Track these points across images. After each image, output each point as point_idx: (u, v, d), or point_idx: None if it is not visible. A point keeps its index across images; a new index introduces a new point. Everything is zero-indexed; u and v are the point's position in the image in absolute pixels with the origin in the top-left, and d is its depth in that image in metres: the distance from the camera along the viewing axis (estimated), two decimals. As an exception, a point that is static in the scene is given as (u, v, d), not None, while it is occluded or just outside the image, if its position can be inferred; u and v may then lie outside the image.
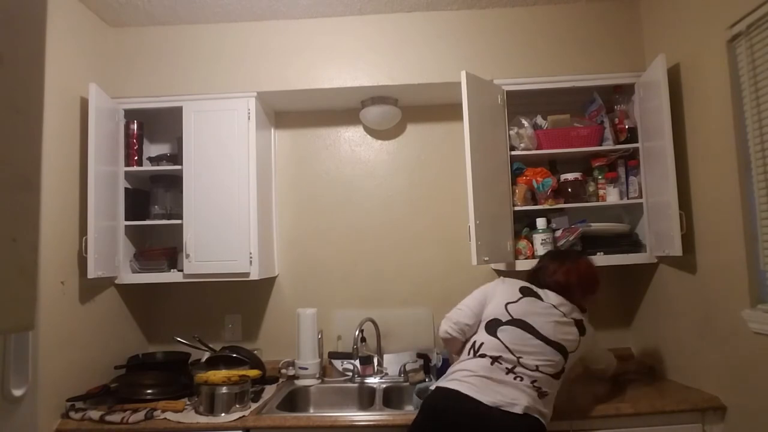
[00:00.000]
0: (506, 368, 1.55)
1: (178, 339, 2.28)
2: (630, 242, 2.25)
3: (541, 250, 2.17)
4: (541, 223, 2.21)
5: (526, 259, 2.20)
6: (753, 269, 1.68)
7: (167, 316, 2.57)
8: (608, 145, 2.28)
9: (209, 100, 2.31)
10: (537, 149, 2.28)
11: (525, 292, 1.74)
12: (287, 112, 2.66)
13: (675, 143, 1.97)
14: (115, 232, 2.24)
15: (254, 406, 1.96)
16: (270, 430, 1.85)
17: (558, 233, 2.21)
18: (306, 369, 2.30)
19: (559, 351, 1.62)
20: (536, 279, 1.84)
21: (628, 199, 2.27)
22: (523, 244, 2.21)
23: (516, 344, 1.60)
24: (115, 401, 1.99)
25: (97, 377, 2.12)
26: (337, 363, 2.41)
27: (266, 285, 2.58)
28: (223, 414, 1.88)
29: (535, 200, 2.29)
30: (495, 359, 1.57)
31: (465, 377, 1.55)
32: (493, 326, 1.66)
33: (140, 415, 1.87)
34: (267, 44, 2.35)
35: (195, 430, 1.83)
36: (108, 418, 1.86)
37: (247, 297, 2.58)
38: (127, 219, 2.30)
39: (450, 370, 1.66)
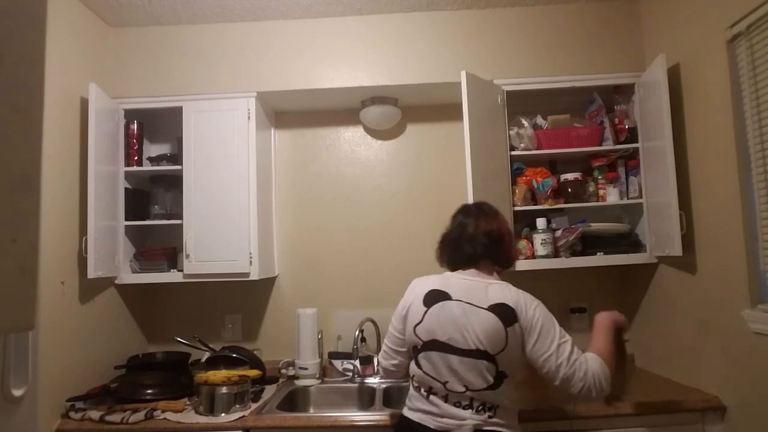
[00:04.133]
0: (442, 397, 1.47)
1: (178, 339, 2.28)
2: (630, 242, 2.25)
3: (541, 251, 2.18)
4: (541, 223, 2.21)
5: (526, 259, 2.20)
6: (753, 269, 1.68)
7: (167, 316, 2.57)
8: (608, 145, 2.28)
9: (209, 100, 2.31)
10: (537, 149, 2.28)
11: (429, 300, 1.52)
12: (287, 112, 2.66)
13: (675, 143, 1.97)
14: (115, 232, 2.24)
15: (254, 406, 1.96)
16: (270, 430, 1.85)
17: (558, 233, 2.21)
18: (306, 369, 2.30)
19: (483, 358, 1.43)
20: (456, 243, 1.60)
21: (628, 199, 2.27)
22: (523, 244, 2.22)
23: (437, 371, 1.47)
24: (115, 401, 1.99)
25: (97, 377, 2.12)
26: (337, 363, 2.40)
27: (266, 285, 2.58)
28: (223, 414, 1.88)
29: (535, 200, 2.29)
30: (428, 391, 1.50)
31: (415, 406, 1.52)
32: (415, 355, 1.53)
33: (140, 415, 1.87)
34: (267, 44, 2.35)
35: (195, 430, 1.83)
36: (108, 418, 1.86)
37: (247, 297, 2.58)
38: (127, 219, 2.30)
39: (408, 396, 1.59)
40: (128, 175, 2.35)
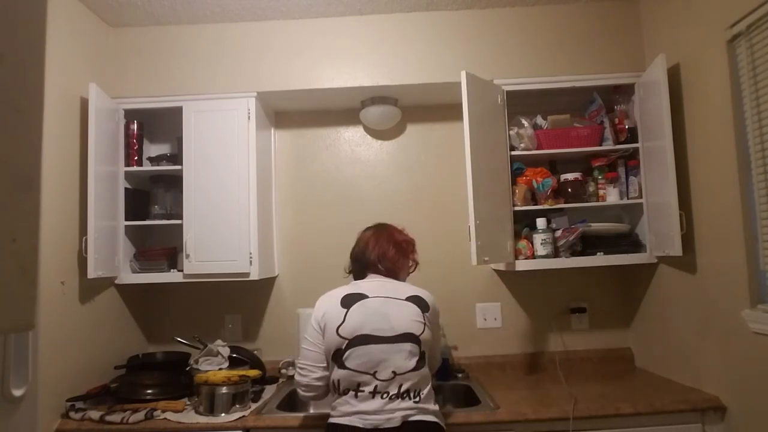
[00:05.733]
0: (370, 393, 1.51)
1: (178, 339, 2.28)
2: (630, 242, 2.25)
3: (541, 251, 2.18)
4: (541, 223, 2.21)
5: (526, 259, 2.20)
6: (753, 269, 1.68)
7: (167, 316, 2.57)
8: (608, 145, 2.28)
9: (209, 100, 2.31)
10: (537, 149, 2.28)
11: (347, 302, 1.60)
12: (287, 112, 2.66)
13: (675, 143, 1.97)
14: (115, 232, 2.24)
15: (254, 406, 1.96)
16: (270, 430, 1.85)
17: (558, 233, 2.21)
18: (306, 369, 2.29)
19: (408, 340, 1.54)
20: (356, 256, 1.77)
21: (628, 199, 2.27)
22: (523, 244, 2.21)
23: (365, 363, 1.52)
24: (115, 401, 1.99)
25: (97, 377, 2.12)
26: (337, 363, 2.40)
27: (266, 285, 2.58)
28: (223, 414, 1.88)
29: (535, 200, 2.29)
30: (356, 390, 1.52)
31: (341, 411, 1.54)
32: (338, 358, 1.55)
33: (140, 415, 1.87)
34: (267, 44, 2.35)
35: (195, 430, 1.83)
36: (108, 418, 1.86)
37: (247, 297, 2.58)
38: (127, 219, 2.30)
39: (332, 407, 1.60)
40: (128, 175, 2.35)
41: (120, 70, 2.36)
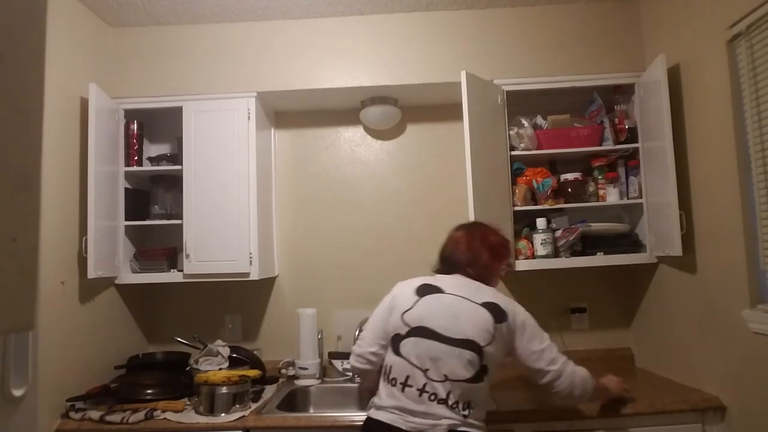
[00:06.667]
0: (417, 390, 1.44)
1: (178, 339, 2.28)
2: (630, 242, 2.25)
3: (541, 251, 2.18)
4: (541, 223, 2.21)
5: (526, 259, 2.20)
6: (753, 269, 1.68)
7: (167, 316, 2.57)
8: (608, 145, 2.28)
9: (209, 100, 2.31)
10: (537, 149, 2.28)
11: (422, 291, 1.56)
12: (287, 112, 2.66)
13: (675, 143, 1.97)
14: (115, 232, 2.24)
15: (254, 406, 1.96)
16: (270, 430, 1.85)
17: (558, 233, 2.21)
18: (306, 369, 2.30)
19: (470, 348, 1.45)
20: (444, 256, 1.70)
21: (628, 199, 2.27)
22: (523, 244, 2.22)
23: (419, 357, 1.46)
24: (115, 401, 1.99)
25: (97, 377, 2.12)
26: (337, 363, 2.40)
27: (266, 285, 2.58)
28: (223, 414, 1.88)
29: (535, 200, 2.29)
30: (404, 384, 1.46)
31: (386, 406, 1.48)
32: (395, 343, 1.51)
33: (140, 415, 1.87)
34: (267, 44, 2.35)
35: (195, 430, 1.83)
36: (108, 418, 1.86)
37: (247, 297, 2.58)
38: (127, 219, 2.30)
39: (377, 395, 1.55)
40: (128, 175, 2.35)
41: (120, 70, 2.36)
